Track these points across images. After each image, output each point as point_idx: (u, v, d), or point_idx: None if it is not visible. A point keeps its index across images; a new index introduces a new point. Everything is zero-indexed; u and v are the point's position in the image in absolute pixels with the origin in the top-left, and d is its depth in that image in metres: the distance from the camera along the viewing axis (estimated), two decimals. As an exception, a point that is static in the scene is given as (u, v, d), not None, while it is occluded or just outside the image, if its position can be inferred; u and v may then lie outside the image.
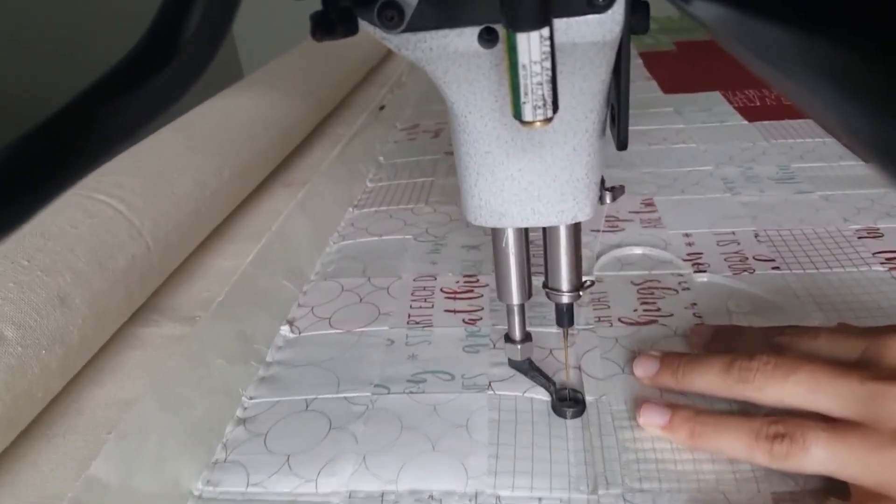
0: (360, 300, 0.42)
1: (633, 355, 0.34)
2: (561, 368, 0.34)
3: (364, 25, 0.23)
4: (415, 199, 0.55)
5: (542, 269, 0.31)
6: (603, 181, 0.28)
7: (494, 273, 0.31)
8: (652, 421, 0.30)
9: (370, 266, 0.45)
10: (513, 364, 0.34)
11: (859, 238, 0.43)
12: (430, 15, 0.22)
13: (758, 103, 0.67)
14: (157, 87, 0.16)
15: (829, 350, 0.29)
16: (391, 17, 0.22)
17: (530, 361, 0.33)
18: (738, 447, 0.27)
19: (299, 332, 0.39)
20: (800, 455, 0.25)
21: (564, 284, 0.30)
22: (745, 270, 0.41)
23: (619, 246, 0.45)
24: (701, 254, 0.43)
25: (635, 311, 0.38)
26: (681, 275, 0.41)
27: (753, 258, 0.42)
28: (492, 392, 0.33)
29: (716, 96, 0.70)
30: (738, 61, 0.15)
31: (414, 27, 0.23)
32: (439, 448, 0.30)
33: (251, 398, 0.34)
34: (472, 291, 0.42)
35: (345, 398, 0.33)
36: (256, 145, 0.57)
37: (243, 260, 0.45)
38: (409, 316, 0.40)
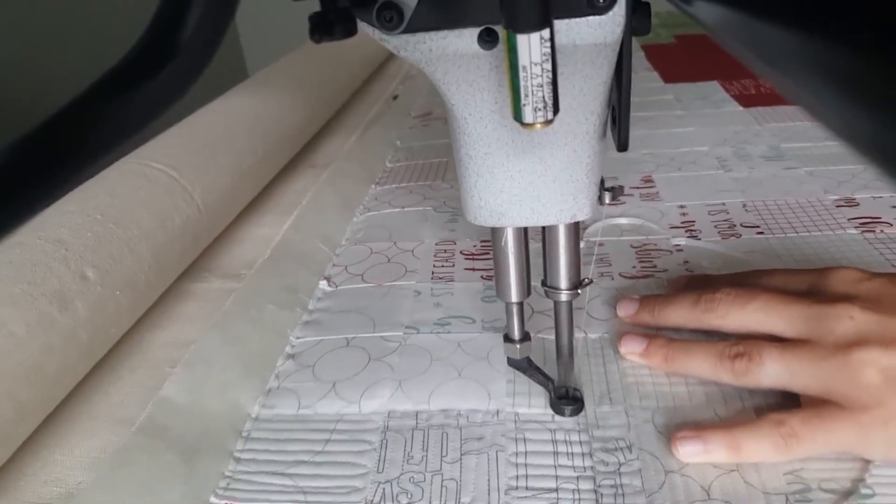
0: (389, 260, 0.46)
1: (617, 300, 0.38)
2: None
3: (363, 26, 0.23)
4: (432, 176, 0.60)
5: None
6: (602, 181, 0.28)
7: (494, 270, 0.31)
8: (631, 349, 0.34)
9: (395, 232, 0.50)
10: (511, 363, 0.34)
11: (837, 207, 0.48)
12: (429, 16, 0.22)
13: (753, 91, 0.71)
14: (157, 87, 0.16)
15: (783, 284, 0.34)
16: (390, 18, 0.22)
17: (529, 360, 0.33)
18: (705, 367, 0.32)
19: (336, 287, 0.44)
20: (757, 370, 0.30)
21: (563, 283, 0.30)
22: (732, 235, 0.46)
23: (608, 217, 0.49)
24: (693, 221, 0.48)
25: (634, 267, 0.43)
26: (671, 239, 0.46)
27: (741, 225, 0.47)
28: (509, 333, 0.38)
29: (713, 85, 0.75)
30: (738, 61, 0.15)
31: (413, 28, 0.22)
32: (465, 375, 0.35)
33: (298, 338, 0.39)
34: (488, 254, 0.46)
35: (380, 337, 0.38)
36: (282, 130, 0.61)
37: (279, 228, 0.50)
38: (433, 273, 0.44)
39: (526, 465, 0.30)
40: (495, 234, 0.30)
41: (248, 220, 0.54)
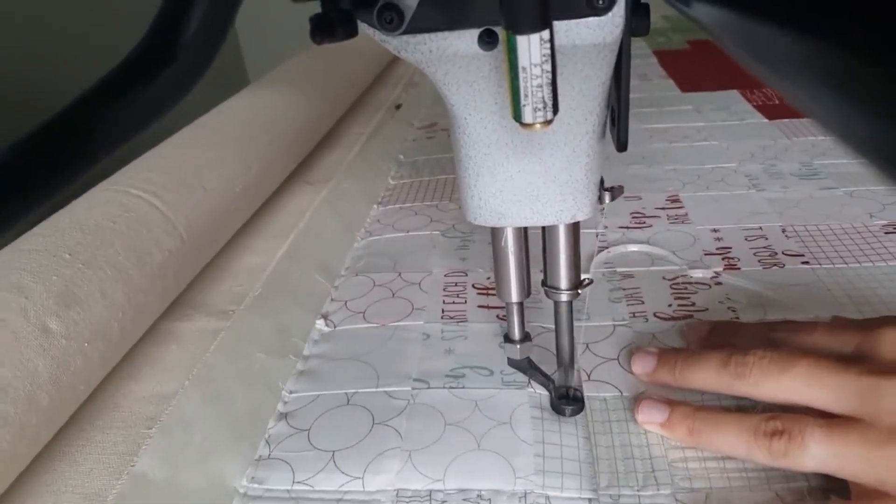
0: (393, 295, 0.42)
1: (632, 351, 0.34)
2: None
3: (364, 28, 0.23)
4: (438, 195, 0.55)
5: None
6: (602, 181, 0.28)
7: (494, 271, 0.31)
8: (651, 418, 0.30)
9: (400, 261, 0.46)
10: (512, 363, 0.34)
11: (886, 233, 0.43)
12: (429, 17, 0.22)
13: (776, 101, 0.67)
14: (159, 88, 0.16)
15: (826, 344, 0.29)
16: (391, 20, 0.22)
17: (529, 360, 0.33)
18: (737, 444, 0.27)
19: (334, 326, 0.39)
20: (798, 453, 0.25)
21: (563, 283, 0.30)
22: (774, 265, 0.41)
23: (625, 243, 0.45)
24: (730, 248, 0.43)
25: (670, 306, 0.38)
26: (705, 270, 0.41)
27: (783, 253, 0.42)
28: (532, 389, 0.33)
29: (734, 95, 0.70)
30: (738, 63, 0.15)
31: (414, 29, 0.23)
32: (484, 446, 0.30)
33: (291, 392, 0.34)
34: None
35: (385, 392, 0.34)
36: (278, 143, 0.57)
37: (272, 256, 0.45)
38: (443, 311, 0.40)
39: (559, 556, 0.25)
40: (495, 234, 0.30)
41: (237, 247, 0.49)
